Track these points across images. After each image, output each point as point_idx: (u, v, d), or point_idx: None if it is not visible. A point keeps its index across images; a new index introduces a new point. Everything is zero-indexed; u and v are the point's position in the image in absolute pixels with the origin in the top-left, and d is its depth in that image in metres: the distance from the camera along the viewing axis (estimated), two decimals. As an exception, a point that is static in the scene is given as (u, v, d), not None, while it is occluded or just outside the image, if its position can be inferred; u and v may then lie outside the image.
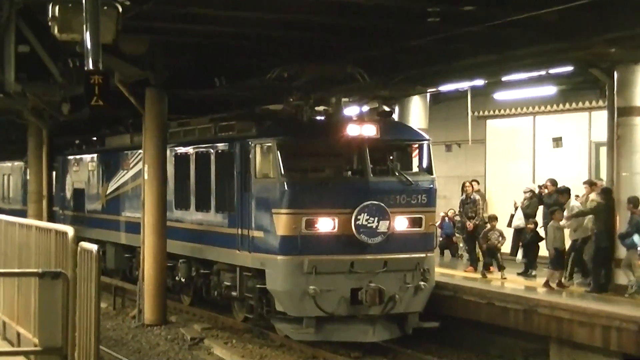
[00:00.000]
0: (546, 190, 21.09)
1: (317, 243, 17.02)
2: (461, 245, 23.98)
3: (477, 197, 21.35)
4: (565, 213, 18.75)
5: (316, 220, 17.05)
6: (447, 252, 24.76)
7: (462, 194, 21.77)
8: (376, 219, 17.08)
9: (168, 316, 21.15)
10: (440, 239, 24.14)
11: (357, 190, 17.33)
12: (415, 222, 17.78)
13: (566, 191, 19.51)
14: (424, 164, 18.43)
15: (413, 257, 17.59)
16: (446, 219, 24.67)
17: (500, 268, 19.89)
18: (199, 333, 19.50)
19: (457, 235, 24.16)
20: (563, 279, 18.50)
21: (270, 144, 17.49)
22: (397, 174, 17.91)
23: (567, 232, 18.87)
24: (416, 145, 18.71)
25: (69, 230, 9.08)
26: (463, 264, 22.63)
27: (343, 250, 17.11)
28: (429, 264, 17.87)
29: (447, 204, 25.43)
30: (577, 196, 19.85)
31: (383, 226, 17.18)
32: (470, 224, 20.87)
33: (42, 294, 8.79)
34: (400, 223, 17.60)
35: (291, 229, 16.90)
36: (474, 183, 21.97)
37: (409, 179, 17.82)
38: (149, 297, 20.80)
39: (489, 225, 20.50)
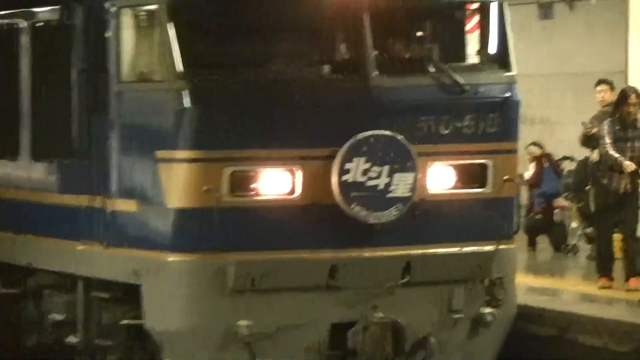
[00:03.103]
0: None
1: (256, 225, 10.81)
2: (574, 225, 15.72)
3: None
4: None
5: (255, 175, 10.82)
6: (541, 240, 16.86)
7: (605, 112, 14.13)
8: (386, 168, 10.74)
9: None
10: (539, 211, 16.29)
11: (346, 106, 10.91)
12: (473, 177, 11.27)
13: None
14: (493, 49, 11.80)
15: (468, 253, 11.16)
16: (546, 163, 16.93)
17: None
18: None
19: (568, 202, 16.24)
20: None
21: (154, 7, 11.18)
22: (433, 70, 11.42)
23: None
24: (473, 7, 11.96)
25: None
26: (581, 267, 14.77)
27: (314, 240, 10.83)
28: (504, 268, 11.24)
29: (549, 138, 17.76)
30: None
31: (402, 185, 10.80)
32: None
33: None
34: (441, 178, 11.17)
35: (199, 195, 10.70)
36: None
37: (460, 80, 11.21)
38: None
39: None
